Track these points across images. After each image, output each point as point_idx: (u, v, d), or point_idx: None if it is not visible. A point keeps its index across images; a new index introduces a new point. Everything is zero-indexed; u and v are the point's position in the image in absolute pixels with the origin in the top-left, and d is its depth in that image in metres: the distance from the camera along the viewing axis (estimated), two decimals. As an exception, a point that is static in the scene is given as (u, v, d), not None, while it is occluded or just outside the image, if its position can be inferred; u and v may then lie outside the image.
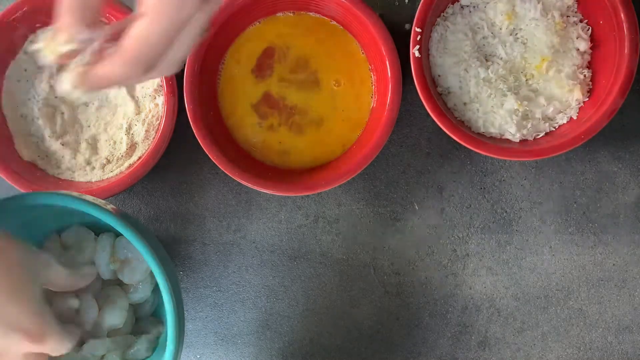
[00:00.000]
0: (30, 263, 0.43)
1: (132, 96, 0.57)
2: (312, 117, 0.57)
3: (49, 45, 0.35)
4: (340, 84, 0.57)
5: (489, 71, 0.54)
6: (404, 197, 0.59)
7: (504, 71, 0.54)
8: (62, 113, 0.57)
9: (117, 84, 0.36)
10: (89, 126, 0.58)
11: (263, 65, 0.57)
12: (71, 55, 0.35)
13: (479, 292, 0.59)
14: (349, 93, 0.57)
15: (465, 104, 0.55)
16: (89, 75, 0.35)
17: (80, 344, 0.54)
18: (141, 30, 0.34)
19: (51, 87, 0.57)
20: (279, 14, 0.57)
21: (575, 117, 0.55)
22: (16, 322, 0.41)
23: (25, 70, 0.57)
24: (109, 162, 0.57)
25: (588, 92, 0.55)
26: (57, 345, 0.43)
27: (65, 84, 0.36)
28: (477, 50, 0.55)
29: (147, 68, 0.35)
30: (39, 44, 0.36)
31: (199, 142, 0.53)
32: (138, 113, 0.57)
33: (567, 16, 0.55)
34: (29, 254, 0.43)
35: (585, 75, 0.55)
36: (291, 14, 0.57)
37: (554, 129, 0.55)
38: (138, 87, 0.57)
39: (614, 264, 0.59)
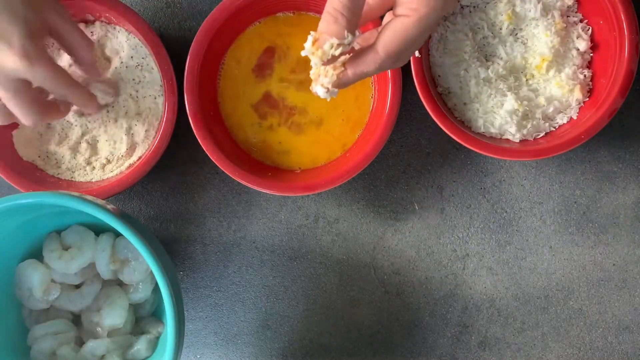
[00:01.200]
0: None
1: (133, 96, 0.57)
2: (312, 117, 0.57)
3: (316, 52, 0.39)
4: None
5: (489, 71, 0.54)
6: (404, 197, 0.59)
7: (504, 71, 0.54)
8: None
9: (363, 78, 0.41)
10: (88, 126, 0.58)
11: (263, 65, 0.57)
12: (333, 59, 0.39)
13: (479, 292, 0.59)
14: (348, 93, 0.57)
15: (465, 104, 0.55)
16: (343, 75, 0.40)
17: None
18: (403, 30, 0.38)
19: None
20: (279, 14, 0.57)
21: (575, 117, 0.55)
22: (5, 32, 0.42)
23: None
24: (109, 162, 0.57)
25: (588, 92, 0.55)
26: (47, 77, 0.44)
27: (321, 89, 0.41)
28: (477, 50, 0.55)
29: (397, 64, 0.40)
30: (304, 50, 0.39)
31: (199, 142, 0.53)
32: (138, 113, 0.57)
33: (567, 16, 0.55)
34: None
35: (585, 75, 0.55)
36: (291, 14, 0.57)
37: (554, 129, 0.55)
38: (139, 87, 0.57)
39: (614, 264, 0.59)
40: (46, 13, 0.46)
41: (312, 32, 0.39)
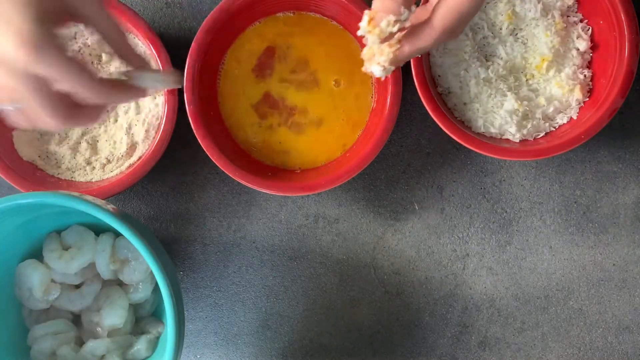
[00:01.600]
0: None
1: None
2: (312, 117, 0.57)
3: (373, 30, 0.39)
4: (340, 84, 0.57)
5: (489, 71, 0.54)
6: (404, 197, 0.59)
7: (504, 71, 0.54)
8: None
9: (419, 54, 0.41)
10: (88, 126, 0.58)
11: (263, 65, 0.57)
12: (389, 36, 0.40)
13: (479, 292, 0.59)
14: (348, 93, 0.57)
15: (465, 104, 0.55)
16: (399, 52, 0.40)
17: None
18: (457, 5, 0.39)
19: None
20: (280, 14, 0.57)
21: (575, 117, 0.55)
22: (10, 14, 0.34)
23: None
24: (109, 162, 0.57)
25: (588, 92, 0.55)
26: (57, 71, 0.35)
27: (377, 68, 0.41)
28: (477, 50, 0.55)
29: (451, 38, 0.41)
30: (360, 30, 0.39)
31: (199, 142, 0.53)
32: (138, 113, 0.57)
33: (567, 16, 0.55)
34: None
35: (585, 75, 0.55)
36: (291, 14, 0.57)
37: (554, 129, 0.55)
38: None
39: (614, 264, 0.59)
40: None
41: (366, 11, 0.39)
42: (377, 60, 0.41)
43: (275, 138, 0.57)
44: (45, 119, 0.37)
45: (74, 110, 0.38)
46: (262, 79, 0.57)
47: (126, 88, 0.41)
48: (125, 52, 0.42)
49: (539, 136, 0.55)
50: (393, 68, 0.42)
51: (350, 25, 0.56)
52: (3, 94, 0.36)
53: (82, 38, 0.57)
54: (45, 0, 0.36)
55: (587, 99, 0.55)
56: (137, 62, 0.43)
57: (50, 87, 0.36)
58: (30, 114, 0.38)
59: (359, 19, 0.53)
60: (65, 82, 0.36)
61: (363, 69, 0.43)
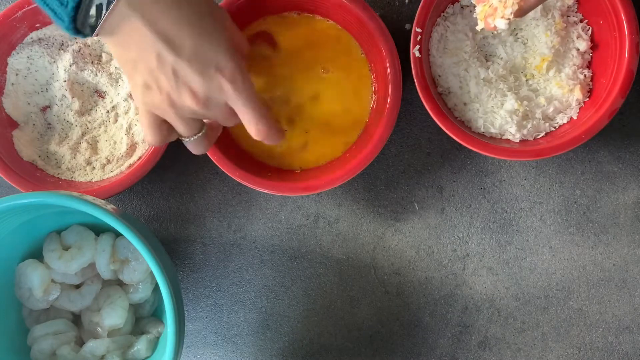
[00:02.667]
0: (215, 9, 0.42)
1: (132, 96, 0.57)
2: (311, 116, 0.57)
3: None
4: (340, 83, 0.57)
5: (489, 71, 0.54)
6: (404, 197, 0.59)
7: (504, 71, 0.54)
8: (64, 113, 0.57)
9: (543, 2, 0.42)
10: (89, 126, 0.58)
11: (258, 63, 0.57)
12: None
13: (479, 292, 0.59)
14: (348, 93, 0.57)
15: (465, 104, 0.55)
16: (525, 2, 0.42)
17: (81, 343, 0.54)
18: None
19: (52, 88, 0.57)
20: (282, 14, 0.57)
21: (575, 117, 0.55)
22: (214, 60, 0.40)
23: (28, 69, 0.57)
24: (109, 162, 0.57)
25: (588, 92, 0.55)
26: (250, 107, 0.42)
27: (502, 22, 0.42)
28: (477, 50, 0.55)
29: None
30: None
31: (199, 142, 0.53)
32: (138, 113, 0.57)
33: (567, 16, 0.55)
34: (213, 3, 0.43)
35: (585, 75, 0.55)
36: (294, 14, 0.57)
37: (554, 129, 0.55)
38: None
39: (614, 264, 0.59)
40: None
41: None
42: (501, 14, 0.42)
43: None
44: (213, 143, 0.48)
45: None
46: (256, 76, 0.57)
47: (277, 130, 0.46)
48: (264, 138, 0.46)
49: (539, 136, 0.55)
50: (515, 20, 0.43)
51: (350, 25, 0.56)
52: (191, 128, 0.43)
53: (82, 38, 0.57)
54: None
55: (587, 99, 0.55)
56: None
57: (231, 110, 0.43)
58: (207, 139, 0.46)
59: (359, 19, 0.53)
60: (244, 112, 0.43)
61: (479, 27, 0.44)
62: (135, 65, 0.40)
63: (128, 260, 0.54)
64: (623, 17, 0.51)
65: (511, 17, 0.42)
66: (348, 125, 0.57)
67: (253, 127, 0.43)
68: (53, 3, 0.37)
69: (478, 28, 0.45)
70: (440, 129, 0.53)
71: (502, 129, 0.54)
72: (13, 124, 0.58)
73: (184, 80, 0.40)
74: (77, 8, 0.37)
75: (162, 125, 0.43)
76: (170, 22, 0.38)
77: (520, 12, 0.42)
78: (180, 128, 0.43)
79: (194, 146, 0.45)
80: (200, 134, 0.44)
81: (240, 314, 0.60)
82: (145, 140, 0.45)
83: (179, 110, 0.41)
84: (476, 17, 0.45)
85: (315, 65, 0.56)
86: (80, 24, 0.38)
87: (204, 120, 0.45)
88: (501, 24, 0.42)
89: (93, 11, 0.37)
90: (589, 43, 0.55)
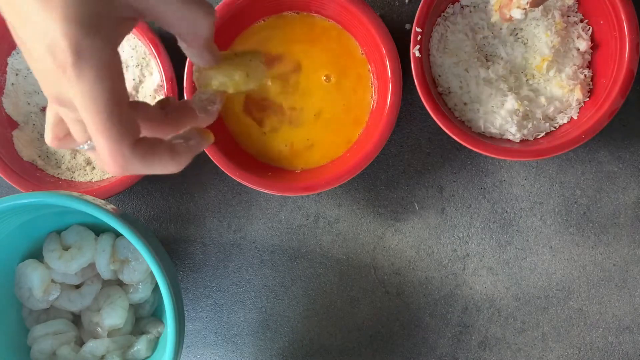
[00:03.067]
0: None
1: (133, 96, 0.57)
2: (312, 115, 0.57)
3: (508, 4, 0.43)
4: (340, 83, 0.57)
5: (490, 71, 0.54)
6: (404, 197, 0.59)
7: (504, 71, 0.54)
8: (62, 113, 0.57)
9: None
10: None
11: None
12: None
13: (480, 292, 0.59)
14: (348, 93, 0.57)
15: (465, 104, 0.55)
16: None
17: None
18: None
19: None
20: (282, 14, 0.57)
21: (575, 117, 0.55)
22: (47, 33, 0.28)
23: (28, 69, 0.57)
24: (109, 162, 0.57)
25: (588, 92, 0.55)
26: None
27: (518, 12, 0.43)
28: (477, 50, 0.55)
29: None
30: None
31: (199, 142, 0.53)
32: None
33: (568, 16, 0.55)
34: None
35: (585, 75, 0.55)
36: (294, 14, 0.57)
37: (554, 129, 0.55)
38: (139, 87, 0.57)
39: (614, 264, 0.59)
40: None
41: None
42: (517, 4, 0.42)
43: (276, 139, 0.57)
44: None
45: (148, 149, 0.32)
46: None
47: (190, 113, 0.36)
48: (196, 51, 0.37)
49: (540, 136, 0.55)
50: (534, 10, 0.43)
51: (350, 25, 0.56)
52: (80, 133, 0.33)
53: None
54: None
55: (588, 99, 0.55)
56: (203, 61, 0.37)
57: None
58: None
59: (359, 19, 0.53)
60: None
61: (493, 19, 0.44)
62: None
63: (128, 260, 0.54)
64: (623, 17, 0.51)
65: (527, 6, 0.42)
66: (348, 125, 0.57)
67: (102, 158, 0.31)
68: None
69: (492, 20, 0.45)
70: (440, 129, 0.53)
71: (503, 129, 0.54)
72: (13, 124, 0.58)
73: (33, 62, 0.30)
74: None
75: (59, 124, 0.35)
76: None
77: (536, 2, 0.42)
78: (73, 131, 0.34)
79: (92, 154, 0.36)
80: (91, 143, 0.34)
81: (240, 314, 0.60)
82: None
83: (61, 109, 0.32)
84: (490, 9, 0.45)
85: (316, 68, 0.56)
86: None
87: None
88: (517, 14, 0.43)
89: None
90: (589, 43, 0.55)
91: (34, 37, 0.29)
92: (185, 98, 0.53)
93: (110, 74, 0.29)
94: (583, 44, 0.55)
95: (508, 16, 0.43)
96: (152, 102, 0.57)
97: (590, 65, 0.55)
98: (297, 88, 0.56)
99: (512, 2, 0.42)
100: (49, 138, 0.35)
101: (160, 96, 0.56)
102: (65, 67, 0.28)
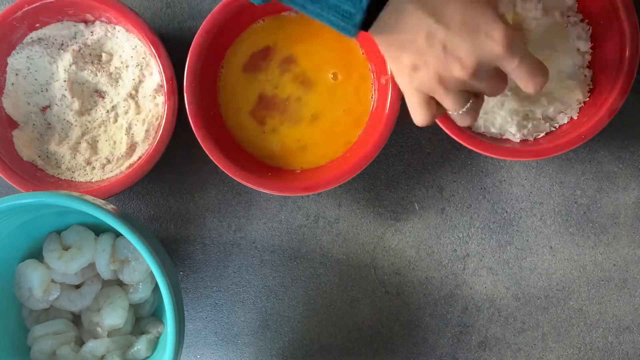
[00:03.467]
0: None
1: (133, 96, 0.57)
2: (311, 111, 0.57)
3: None
4: (338, 75, 0.57)
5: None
6: (404, 197, 0.59)
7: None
8: (63, 113, 0.57)
9: None
10: (88, 126, 0.58)
11: (256, 62, 0.57)
12: None
13: (480, 292, 0.59)
14: (348, 93, 0.57)
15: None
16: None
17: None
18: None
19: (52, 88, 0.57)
20: (280, 15, 0.57)
21: (575, 117, 0.55)
22: (480, 26, 0.40)
23: (28, 69, 0.57)
24: (109, 162, 0.57)
25: (588, 92, 0.55)
26: (527, 69, 0.41)
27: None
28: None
29: None
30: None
31: (199, 142, 0.53)
32: (138, 113, 0.57)
33: (568, 16, 0.55)
34: None
35: (585, 75, 0.55)
36: (293, 14, 0.57)
37: (554, 129, 0.55)
38: (139, 87, 0.57)
39: (614, 264, 0.59)
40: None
41: None
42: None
43: (276, 140, 0.57)
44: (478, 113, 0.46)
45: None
46: (253, 76, 0.57)
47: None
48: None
49: (540, 136, 0.55)
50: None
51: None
52: (460, 101, 0.43)
53: (82, 38, 0.57)
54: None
55: (588, 99, 0.55)
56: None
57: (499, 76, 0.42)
58: (472, 109, 0.44)
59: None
60: (522, 71, 0.41)
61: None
62: (401, 48, 0.41)
63: (128, 260, 0.54)
64: (623, 17, 0.51)
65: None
66: (348, 125, 0.57)
67: (531, 81, 0.42)
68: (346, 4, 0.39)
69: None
70: (440, 129, 0.53)
71: (503, 129, 0.54)
72: (13, 124, 0.58)
73: (453, 53, 0.40)
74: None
75: (430, 102, 0.43)
76: (438, 1, 0.39)
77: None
78: (448, 103, 0.43)
79: (461, 119, 0.45)
80: (467, 106, 0.44)
81: (240, 314, 0.60)
82: (416, 120, 0.45)
83: (448, 85, 0.41)
84: None
85: (322, 65, 0.56)
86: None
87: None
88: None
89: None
90: (589, 43, 0.55)
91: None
92: (186, 98, 0.53)
93: None
94: (583, 44, 0.55)
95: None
96: (152, 102, 0.57)
97: (590, 65, 0.55)
98: (304, 83, 0.57)
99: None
100: (424, 117, 0.44)
101: (160, 96, 0.56)
102: (505, 40, 0.40)
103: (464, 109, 0.44)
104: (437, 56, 0.40)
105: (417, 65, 0.41)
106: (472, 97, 0.44)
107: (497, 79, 0.43)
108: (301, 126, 0.57)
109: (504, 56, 0.40)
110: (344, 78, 0.56)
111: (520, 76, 0.42)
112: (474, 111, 0.45)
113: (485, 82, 0.42)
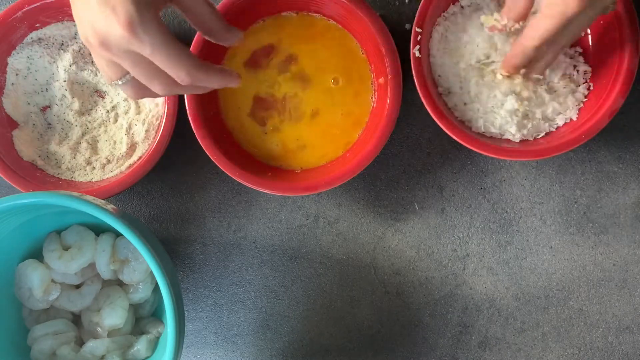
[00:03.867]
0: None
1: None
2: (310, 112, 0.57)
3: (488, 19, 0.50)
4: (339, 80, 0.57)
5: (490, 71, 0.54)
6: (404, 197, 0.59)
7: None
8: (64, 113, 0.57)
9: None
10: (89, 126, 0.58)
11: (259, 61, 0.57)
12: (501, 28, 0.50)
13: (479, 292, 0.59)
14: (348, 93, 0.57)
15: (465, 104, 0.55)
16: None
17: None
18: (536, 23, 0.44)
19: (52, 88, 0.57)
20: (280, 14, 0.57)
21: (575, 118, 0.55)
22: (114, 3, 0.37)
23: (28, 69, 0.57)
24: (109, 162, 0.57)
25: (588, 92, 0.55)
26: (157, 54, 0.38)
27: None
28: (477, 50, 0.55)
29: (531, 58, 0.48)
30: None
31: (199, 142, 0.53)
32: (138, 113, 0.57)
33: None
34: None
35: (585, 75, 0.55)
36: (294, 14, 0.57)
37: (554, 130, 0.55)
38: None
39: (614, 264, 0.59)
40: None
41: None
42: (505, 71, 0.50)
43: (276, 140, 0.57)
44: (149, 90, 0.42)
45: (173, 81, 0.41)
46: (254, 73, 0.57)
47: (218, 71, 0.43)
48: (216, 36, 0.44)
49: (539, 136, 0.55)
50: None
51: (350, 25, 0.56)
52: (112, 72, 0.41)
53: None
54: None
55: (587, 99, 0.55)
56: (227, 40, 0.45)
57: (149, 62, 0.39)
58: (136, 85, 0.42)
59: (360, 19, 0.53)
60: (158, 61, 0.39)
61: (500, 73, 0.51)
62: None
63: (128, 260, 0.54)
64: (623, 17, 0.51)
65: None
66: (348, 125, 0.57)
67: (175, 76, 0.40)
68: None
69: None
70: (441, 129, 0.53)
71: (502, 129, 0.54)
72: (13, 124, 0.58)
73: (88, 18, 0.38)
74: None
75: (115, 64, 0.41)
76: None
77: (513, 68, 0.49)
78: (102, 70, 0.41)
79: (124, 89, 0.43)
80: (125, 79, 0.41)
81: (240, 314, 0.60)
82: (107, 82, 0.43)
83: (94, 50, 0.39)
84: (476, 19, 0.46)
85: (323, 69, 0.56)
86: None
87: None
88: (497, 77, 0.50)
89: None
90: (589, 43, 0.55)
91: None
92: (186, 98, 0.53)
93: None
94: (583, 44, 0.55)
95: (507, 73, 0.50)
96: (152, 102, 0.57)
97: (590, 65, 0.55)
98: (303, 80, 0.57)
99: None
100: (109, 79, 0.42)
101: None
102: (130, 24, 0.37)
103: (120, 82, 0.41)
104: (83, 15, 0.38)
105: (80, 16, 0.39)
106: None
107: (148, 68, 0.40)
108: (301, 124, 0.57)
109: (128, 39, 0.37)
110: (344, 84, 0.56)
111: (161, 66, 0.39)
112: (139, 88, 0.42)
113: (125, 61, 0.39)
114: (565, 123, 0.55)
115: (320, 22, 0.57)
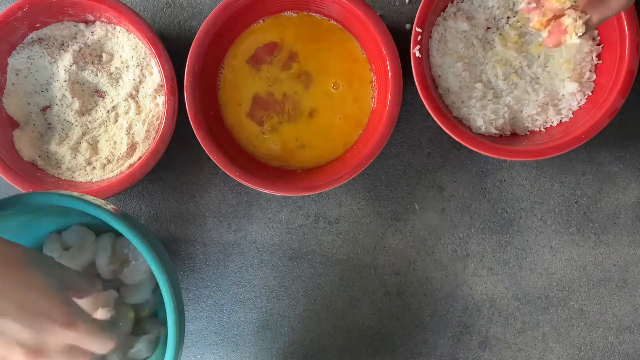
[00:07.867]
0: (34, 260, 0.42)
1: (133, 96, 0.57)
2: (309, 109, 0.57)
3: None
4: (339, 85, 0.57)
5: (490, 71, 0.54)
6: (404, 197, 0.59)
7: (504, 71, 0.54)
8: (64, 113, 0.57)
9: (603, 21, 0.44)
10: (89, 126, 0.58)
11: (262, 57, 0.57)
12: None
13: (480, 293, 0.59)
14: (347, 101, 0.57)
15: (465, 103, 0.55)
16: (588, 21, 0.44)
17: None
18: None
19: (52, 88, 0.57)
20: (281, 14, 0.57)
21: (575, 118, 0.55)
22: (42, 310, 0.40)
23: (28, 69, 0.57)
24: (109, 162, 0.57)
25: (588, 92, 0.55)
26: (94, 336, 0.42)
27: (574, 38, 0.44)
28: (477, 50, 0.55)
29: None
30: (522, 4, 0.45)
31: (199, 142, 0.53)
32: (138, 113, 0.57)
33: (568, 16, 0.55)
34: (29, 252, 0.42)
35: (585, 75, 0.55)
36: (294, 14, 0.57)
37: (554, 129, 0.55)
38: (139, 87, 0.57)
39: (614, 264, 0.59)
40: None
41: None
42: (572, 31, 0.44)
43: (276, 140, 0.57)
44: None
45: None
46: (257, 72, 0.57)
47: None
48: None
49: (539, 136, 0.55)
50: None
51: (350, 25, 0.56)
52: None
53: (83, 38, 0.57)
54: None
55: (588, 99, 0.55)
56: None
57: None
58: None
59: (360, 19, 0.53)
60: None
61: (544, 43, 0.45)
62: None
63: (128, 260, 0.54)
64: (623, 17, 0.51)
65: (581, 31, 0.43)
66: (348, 126, 0.57)
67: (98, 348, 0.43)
68: None
69: (544, 40, 0.45)
70: (441, 129, 0.53)
71: (503, 129, 0.54)
72: (13, 124, 0.58)
73: (13, 337, 0.40)
74: None
75: None
76: None
77: (590, 27, 0.43)
78: None
79: None
80: None
81: (240, 314, 0.60)
82: None
83: None
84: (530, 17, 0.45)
85: (322, 73, 0.56)
86: None
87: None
88: (574, 40, 0.44)
89: None
90: (590, 42, 0.55)
91: None
92: (186, 98, 0.53)
93: None
94: (585, 44, 0.55)
95: (565, 42, 0.45)
96: (153, 102, 0.57)
97: (590, 65, 0.55)
98: (303, 79, 0.57)
99: (567, 29, 0.43)
100: None
101: (161, 96, 0.56)
102: (70, 323, 0.42)
103: None
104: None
105: None
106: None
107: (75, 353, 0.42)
108: (299, 123, 0.57)
109: (70, 338, 0.40)
110: (344, 88, 0.57)
111: (89, 345, 0.42)
112: None
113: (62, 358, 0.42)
114: (566, 122, 0.55)
115: (321, 22, 0.57)
